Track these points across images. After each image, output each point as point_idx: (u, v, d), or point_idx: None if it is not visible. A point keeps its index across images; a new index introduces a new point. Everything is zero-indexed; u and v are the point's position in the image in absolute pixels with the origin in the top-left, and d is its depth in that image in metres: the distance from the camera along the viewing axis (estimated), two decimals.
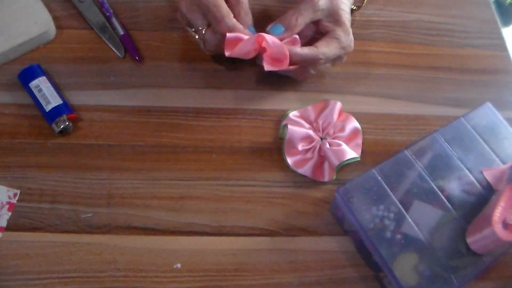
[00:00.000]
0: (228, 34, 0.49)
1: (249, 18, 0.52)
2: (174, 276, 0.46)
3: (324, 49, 0.51)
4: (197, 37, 0.52)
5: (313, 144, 0.52)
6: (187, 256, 0.47)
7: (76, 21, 0.58)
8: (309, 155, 0.52)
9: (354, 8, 0.61)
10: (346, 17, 0.53)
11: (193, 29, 0.52)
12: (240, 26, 0.50)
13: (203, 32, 0.51)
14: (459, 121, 0.53)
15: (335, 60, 0.54)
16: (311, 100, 0.56)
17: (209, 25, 0.51)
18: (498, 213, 0.44)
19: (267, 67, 0.50)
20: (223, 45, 0.49)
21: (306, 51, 0.50)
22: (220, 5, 0.49)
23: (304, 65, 0.52)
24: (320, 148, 0.52)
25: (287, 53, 0.49)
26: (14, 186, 0.48)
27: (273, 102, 0.56)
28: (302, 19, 0.51)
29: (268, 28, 0.52)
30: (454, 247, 0.45)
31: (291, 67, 0.51)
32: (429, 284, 0.43)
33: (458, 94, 0.60)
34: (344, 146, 0.52)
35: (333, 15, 0.53)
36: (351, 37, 0.53)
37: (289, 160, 0.52)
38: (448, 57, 0.63)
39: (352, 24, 0.55)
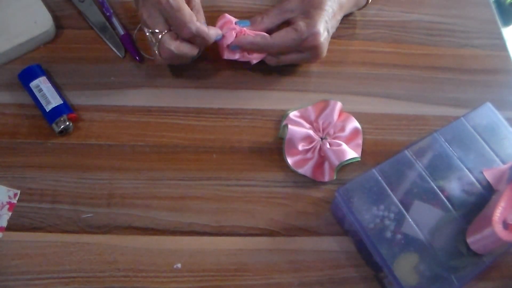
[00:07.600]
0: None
1: (201, 16, 0.53)
2: (174, 276, 0.46)
3: (277, 37, 0.52)
4: (153, 40, 0.50)
5: (313, 144, 0.52)
6: (187, 256, 0.47)
7: (76, 21, 0.58)
8: (309, 155, 0.52)
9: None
10: (321, 13, 0.52)
11: (150, 31, 0.50)
12: (204, 28, 0.50)
13: (159, 36, 0.49)
14: (459, 121, 0.53)
15: (302, 58, 0.55)
16: (311, 100, 0.56)
17: (169, 30, 0.50)
18: (498, 213, 0.44)
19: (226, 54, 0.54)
20: (181, 53, 0.50)
21: (257, 39, 0.52)
22: (183, 9, 0.48)
23: (262, 52, 0.54)
24: (320, 148, 0.52)
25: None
26: (14, 186, 0.48)
27: (273, 102, 0.56)
28: (267, 18, 0.55)
29: (236, 21, 0.54)
30: (454, 247, 0.45)
31: (253, 58, 0.54)
32: (429, 284, 0.43)
33: (458, 94, 0.60)
34: (345, 146, 0.52)
35: (306, 13, 0.53)
36: (316, 30, 0.51)
37: (289, 160, 0.52)
38: (448, 57, 0.63)
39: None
